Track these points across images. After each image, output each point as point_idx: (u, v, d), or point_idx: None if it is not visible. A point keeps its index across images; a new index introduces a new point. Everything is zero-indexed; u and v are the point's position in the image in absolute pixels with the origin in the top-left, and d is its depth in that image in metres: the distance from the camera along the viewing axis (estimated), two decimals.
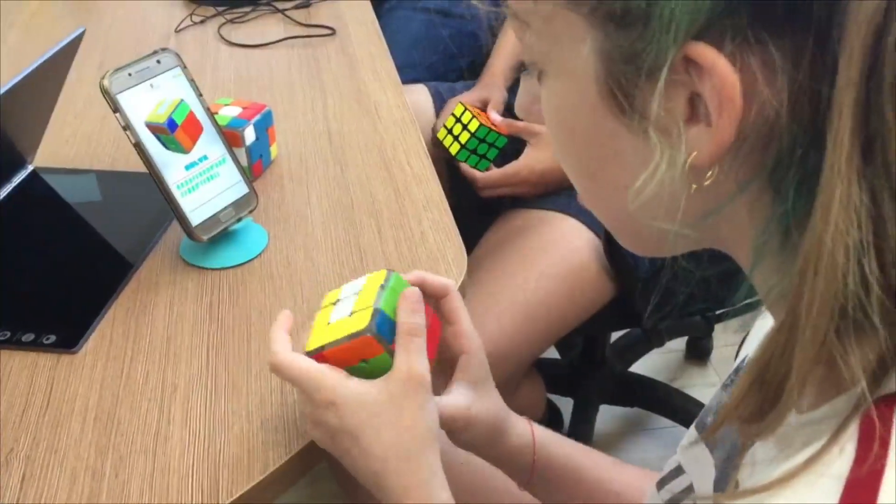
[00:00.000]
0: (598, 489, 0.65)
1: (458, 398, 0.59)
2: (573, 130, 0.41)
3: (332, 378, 0.55)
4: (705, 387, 1.67)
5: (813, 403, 0.36)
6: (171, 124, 0.75)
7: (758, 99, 0.34)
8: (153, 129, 0.74)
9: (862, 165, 0.31)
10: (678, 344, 1.75)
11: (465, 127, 1.16)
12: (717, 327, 1.71)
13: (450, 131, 1.18)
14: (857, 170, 0.31)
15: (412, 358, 0.55)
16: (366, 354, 0.56)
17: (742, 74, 0.34)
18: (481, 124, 1.15)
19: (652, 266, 1.11)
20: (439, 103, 1.30)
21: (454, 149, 1.17)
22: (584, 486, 0.65)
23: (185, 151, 0.76)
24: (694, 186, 0.37)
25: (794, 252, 0.34)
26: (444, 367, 0.62)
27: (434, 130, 1.21)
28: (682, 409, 1.48)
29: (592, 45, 0.37)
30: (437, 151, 1.18)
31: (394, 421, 0.54)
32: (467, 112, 1.16)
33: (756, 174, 0.36)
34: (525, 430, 0.64)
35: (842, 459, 0.33)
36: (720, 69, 0.34)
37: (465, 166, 1.18)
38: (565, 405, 1.55)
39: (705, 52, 0.34)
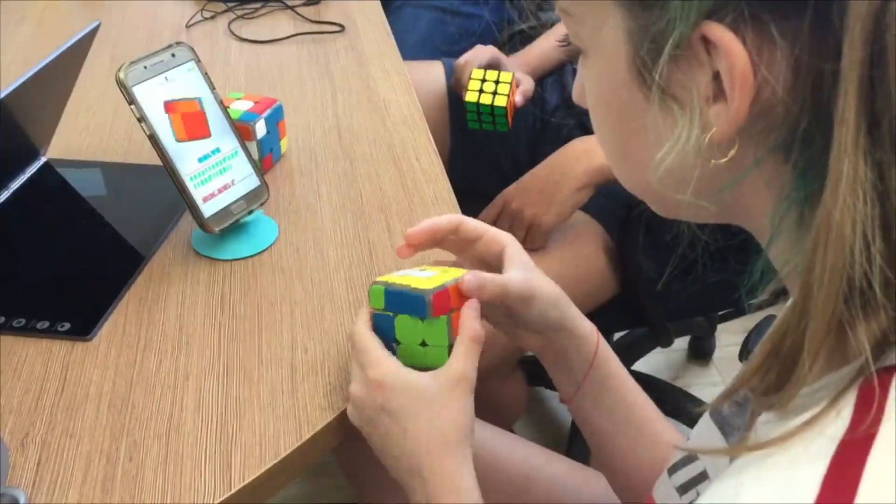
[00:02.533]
0: (638, 415, 0.68)
1: (515, 274, 0.63)
2: (609, 107, 0.45)
3: (387, 361, 0.59)
4: (707, 386, 1.68)
5: (816, 376, 0.38)
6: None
7: (764, 75, 0.36)
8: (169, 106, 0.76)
9: (868, 143, 0.33)
10: (680, 343, 1.76)
11: (494, 93, 1.18)
12: (720, 327, 1.72)
13: (483, 80, 1.19)
14: (863, 148, 0.33)
15: (468, 362, 0.59)
16: (454, 304, 0.61)
17: (752, 53, 0.36)
18: (505, 106, 1.16)
19: (662, 267, 1.12)
20: (452, 81, 1.31)
21: (470, 97, 1.18)
22: (628, 405, 0.67)
23: (175, 137, 0.76)
24: (713, 161, 0.40)
25: (809, 228, 0.36)
26: (493, 271, 0.65)
27: (469, 62, 1.23)
28: (684, 408, 1.49)
29: (621, 26, 0.40)
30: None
31: (439, 410, 0.57)
32: (508, 85, 1.18)
33: (769, 150, 0.38)
34: (590, 329, 0.67)
35: (838, 422, 0.35)
36: (730, 47, 0.36)
37: None
38: None
39: (717, 31, 0.36)
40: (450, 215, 0.68)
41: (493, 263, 0.66)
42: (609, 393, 0.67)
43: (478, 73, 1.20)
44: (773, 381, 0.38)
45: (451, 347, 0.60)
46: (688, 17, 0.37)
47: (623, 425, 0.67)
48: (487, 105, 1.18)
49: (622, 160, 0.47)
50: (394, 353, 0.61)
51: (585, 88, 0.47)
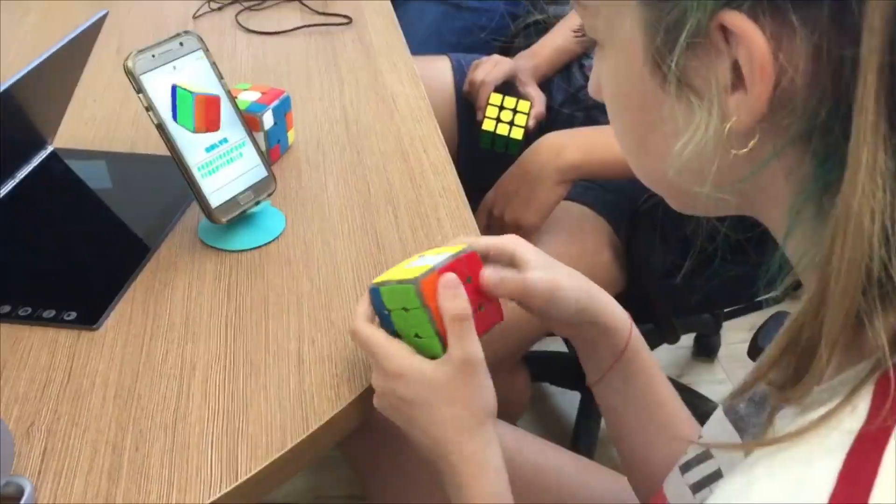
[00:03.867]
0: (662, 410, 0.67)
1: (536, 274, 0.62)
2: (626, 99, 0.44)
3: (400, 352, 0.59)
4: (712, 384, 1.67)
5: (833, 372, 0.37)
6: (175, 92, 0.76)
7: (783, 63, 0.36)
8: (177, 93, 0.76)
9: (888, 131, 0.33)
10: (686, 340, 1.75)
11: (511, 123, 1.19)
12: (726, 325, 1.71)
13: (501, 108, 1.19)
14: (883, 135, 0.33)
15: (464, 343, 0.58)
16: (406, 303, 0.60)
17: (771, 41, 0.35)
18: (520, 139, 1.17)
19: (668, 263, 1.12)
20: (460, 76, 1.31)
21: (487, 125, 1.19)
22: (653, 399, 0.67)
23: (192, 129, 0.76)
24: (734, 152, 0.39)
25: (827, 219, 0.35)
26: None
27: (486, 82, 1.22)
28: (689, 405, 1.48)
29: (637, 17, 0.40)
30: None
31: (451, 399, 0.58)
32: (525, 116, 1.18)
33: (789, 140, 0.38)
34: (622, 320, 0.66)
35: (854, 417, 0.34)
36: (750, 36, 0.35)
37: None
38: (572, 399, 1.56)
39: (735, 20, 0.35)
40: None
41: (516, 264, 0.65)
42: (634, 387, 0.67)
43: (496, 99, 1.20)
44: (791, 374, 0.37)
45: (441, 336, 0.59)
46: (704, 6, 0.36)
47: (644, 421, 0.67)
48: (504, 136, 1.19)
49: (639, 153, 0.46)
50: None
51: (602, 81, 0.46)
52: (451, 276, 0.59)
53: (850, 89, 0.34)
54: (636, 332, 0.67)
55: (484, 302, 0.62)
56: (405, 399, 0.59)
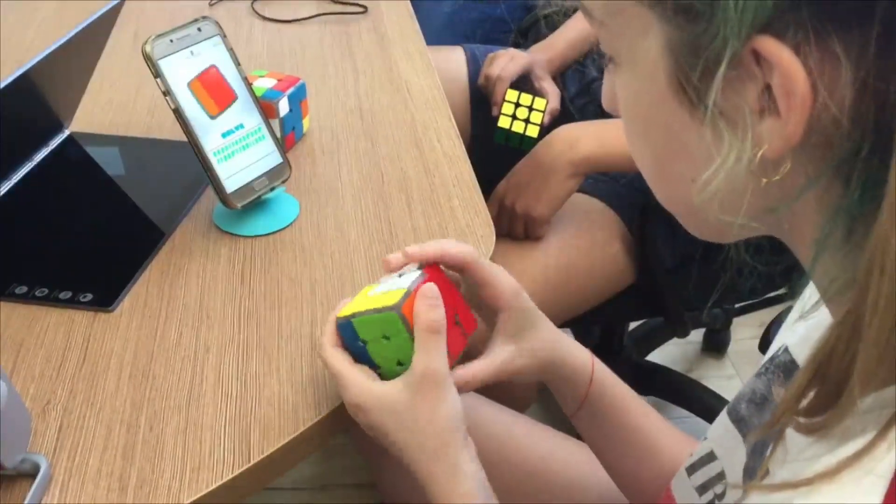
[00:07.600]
0: (639, 435, 0.66)
1: (493, 359, 0.61)
2: (645, 121, 0.42)
3: (356, 381, 0.57)
4: (721, 379, 1.67)
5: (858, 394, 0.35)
6: None
7: (824, 95, 0.34)
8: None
9: None
10: (695, 336, 1.75)
11: (526, 121, 1.19)
12: (735, 321, 1.71)
13: (517, 105, 1.19)
14: None
15: (430, 356, 0.56)
16: (387, 331, 0.58)
17: (808, 69, 0.33)
18: (536, 137, 1.17)
19: (678, 257, 1.12)
20: (474, 67, 1.31)
21: (503, 122, 1.20)
22: (629, 428, 0.66)
23: (207, 112, 0.76)
24: (764, 181, 0.37)
25: (859, 246, 0.34)
26: (489, 321, 0.64)
27: (502, 78, 1.23)
28: (698, 400, 1.49)
29: (661, 38, 0.37)
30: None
31: (413, 419, 0.56)
32: (541, 113, 1.19)
33: (824, 168, 0.36)
34: (584, 361, 0.66)
35: (890, 457, 0.33)
36: (786, 63, 0.33)
37: None
38: None
39: (771, 46, 0.34)
40: (463, 251, 0.63)
41: (488, 315, 0.64)
42: (607, 419, 0.66)
43: (512, 96, 1.20)
44: (816, 404, 0.36)
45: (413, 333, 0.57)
46: (738, 31, 0.34)
47: (625, 447, 0.67)
48: (519, 133, 1.19)
49: (660, 178, 0.44)
50: (380, 376, 0.59)
51: (619, 100, 0.44)
52: (431, 286, 0.57)
53: (893, 123, 0.32)
54: (599, 366, 0.66)
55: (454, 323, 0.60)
56: (370, 427, 0.58)
